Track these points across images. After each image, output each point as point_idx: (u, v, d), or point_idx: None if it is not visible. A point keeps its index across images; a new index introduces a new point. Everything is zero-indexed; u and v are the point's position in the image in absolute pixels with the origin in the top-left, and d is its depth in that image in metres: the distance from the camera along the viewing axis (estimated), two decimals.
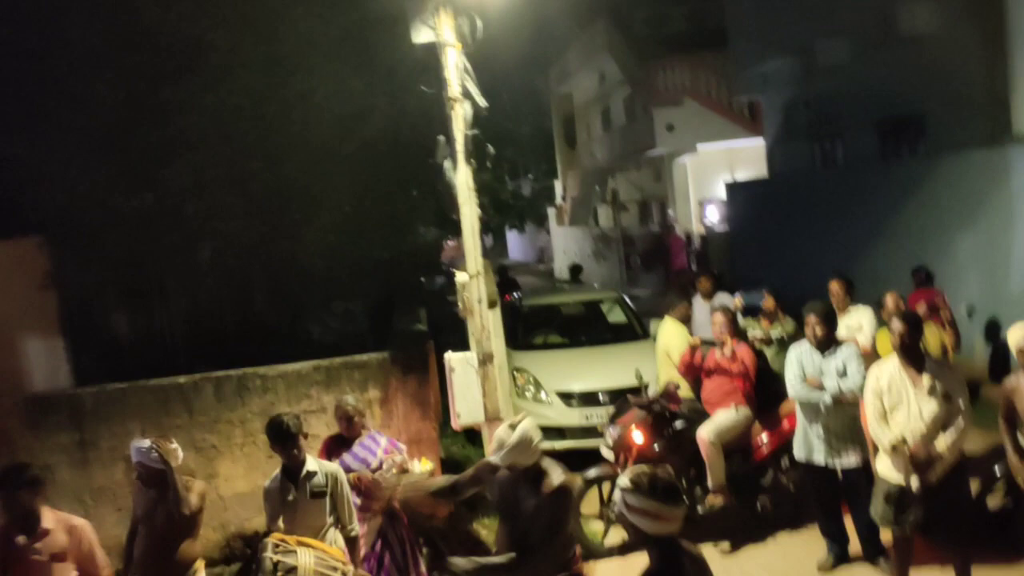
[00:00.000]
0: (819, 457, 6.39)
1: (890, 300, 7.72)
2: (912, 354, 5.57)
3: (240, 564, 7.27)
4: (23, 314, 8.23)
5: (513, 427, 4.38)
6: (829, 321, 6.51)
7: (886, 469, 5.67)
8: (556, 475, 4.39)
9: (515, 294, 14.97)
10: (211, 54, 8.71)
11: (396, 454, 5.95)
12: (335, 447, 5.97)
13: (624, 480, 3.35)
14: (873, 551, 6.44)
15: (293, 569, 4.71)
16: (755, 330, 8.63)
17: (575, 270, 16.23)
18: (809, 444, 6.46)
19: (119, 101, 8.54)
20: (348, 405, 5.97)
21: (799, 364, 6.47)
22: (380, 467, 5.83)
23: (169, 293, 9.47)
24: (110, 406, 7.62)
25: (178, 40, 8.63)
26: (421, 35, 6.79)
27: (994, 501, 6.45)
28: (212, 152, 8.78)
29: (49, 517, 4.80)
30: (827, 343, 6.43)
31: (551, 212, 36.93)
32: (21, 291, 8.19)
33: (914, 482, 5.44)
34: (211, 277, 9.30)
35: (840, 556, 6.58)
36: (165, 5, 8.54)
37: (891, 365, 5.65)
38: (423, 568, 6.08)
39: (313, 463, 5.33)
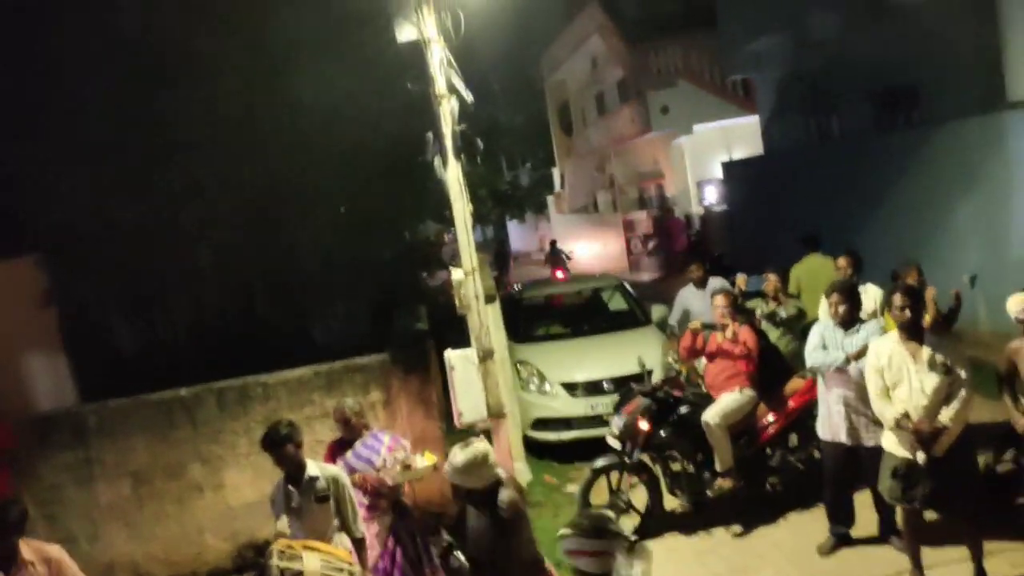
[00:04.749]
0: (842, 437, 6.29)
1: (909, 275, 7.48)
2: (912, 329, 5.52)
3: (252, 573, 7.32)
4: (24, 334, 8.24)
5: (464, 448, 4.32)
6: (851, 298, 6.41)
7: (892, 445, 5.62)
8: (506, 493, 4.34)
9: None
10: (199, 61, 8.71)
11: (400, 450, 5.98)
12: (339, 450, 6.00)
13: (561, 530, 3.47)
14: (888, 530, 6.41)
15: (299, 573, 4.72)
16: (763, 309, 8.57)
17: (552, 244, 17.91)
18: (832, 424, 6.36)
19: (110, 112, 8.54)
20: (344, 407, 6.00)
21: (820, 337, 6.37)
22: (384, 465, 5.86)
23: (170, 302, 9.47)
24: (113, 422, 7.62)
25: (165, 49, 8.62)
26: (404, 33, 6.77)
27: (1004, 468, 6.44)
28: (205, 158, 8.80)
29: (26, 549, 4.68)
30: (850, 321, 6.31)
31: (550, 200, 36.88)
32: (21, 310, 8.20)
33: (920, 456, 5.41)
34: (211, 284, 9.31)
35: (842, 538, 6.54)
36: (150, 15, 8.52)
37: (891, 341, 5.61)
38: (436, 560, 6.12)
39: (314, 468, 5.34)
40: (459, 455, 4.29)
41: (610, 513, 3.64)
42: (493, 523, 4.29)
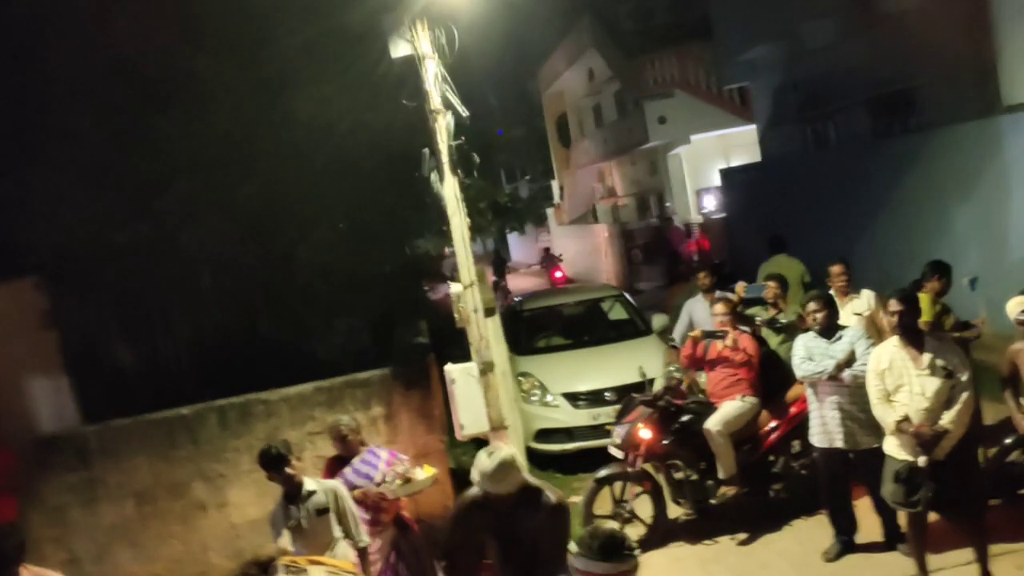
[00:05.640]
0: (839, 443, 6.31)
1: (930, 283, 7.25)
2: (911, 333, 5.54)
3: None
4: (25, 355, 8.22)
5: (491, 455, 4.29)
6: (829, 306, 6.48)
7: (893, 448, 5.63)
8: (551, 492, 4.40)
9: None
10: (195, 82, 8.73)
11: (399, 464, 5.98)
12: (337, 467, 6.00)
13: (571, 545, 3.30)
14: (892, 534, 6.40)
15: None
16: (763, 316, 8.56)
17: (546, 251, 20.96)
18: (828, 431, 6.38)
19: (107, 135, 8.56)
20: (340, 424, 6.02)
21: (805, 348, 6.44)
22: (384, 480, 5.87)
23: (171, 322, 9.46)
24: (116, 442, 7.61)
25: (161, 71, 8.64)
26: (399, 49, 6.78)
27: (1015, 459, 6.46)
28: (203, 179, 8.79)
29: None
30: (830, 329, 6.39)
31: (550, 212, 36.92)
32: (22, 333, 8.18)
33: (921, 459, 5.41)
34: (212, 303, 9.29)
35: (847, 544, 6.54)
36: (146, 37, 8.55)
37: (891, 345, 5.63)
38: (439, 575, 6.12)
39: (312, 483, 5.39)
40: (487, 462, 4.23)
41: (619, 530, 3.43)
42: (548, 515, 4.29)
